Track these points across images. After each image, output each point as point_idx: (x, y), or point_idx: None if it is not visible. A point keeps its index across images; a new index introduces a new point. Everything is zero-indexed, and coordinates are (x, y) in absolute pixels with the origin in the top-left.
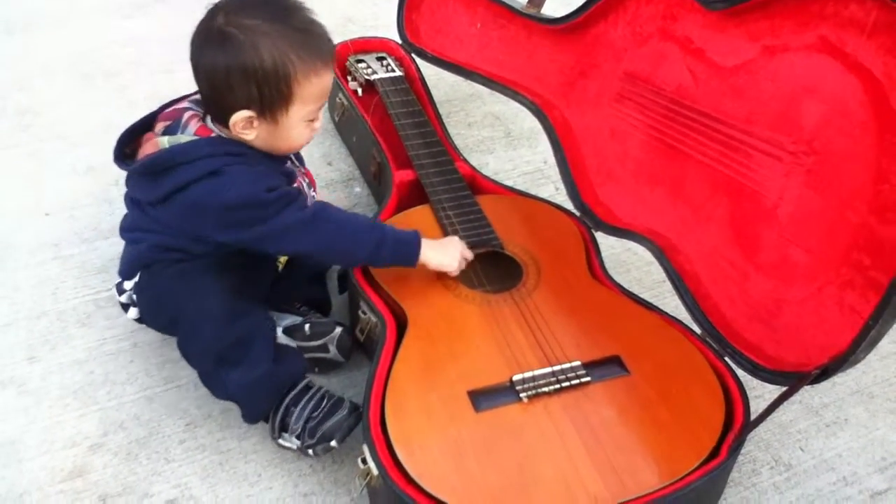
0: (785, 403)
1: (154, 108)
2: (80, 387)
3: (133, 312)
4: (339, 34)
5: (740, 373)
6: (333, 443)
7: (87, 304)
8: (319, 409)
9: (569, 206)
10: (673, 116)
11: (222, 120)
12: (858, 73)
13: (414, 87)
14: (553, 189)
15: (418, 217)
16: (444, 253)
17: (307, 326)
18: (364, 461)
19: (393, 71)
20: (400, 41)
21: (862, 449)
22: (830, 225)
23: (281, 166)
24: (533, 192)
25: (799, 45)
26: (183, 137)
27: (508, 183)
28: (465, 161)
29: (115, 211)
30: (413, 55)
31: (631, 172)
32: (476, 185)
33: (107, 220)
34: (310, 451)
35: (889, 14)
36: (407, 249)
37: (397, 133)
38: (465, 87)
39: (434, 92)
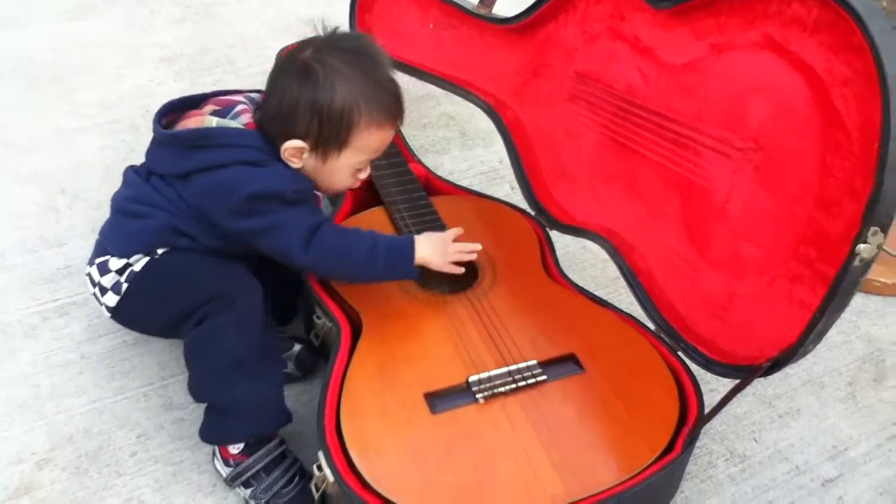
0: (738, 396)
1: (103, 114)
2: (25, 400)
3: (111, 299)
4: (291, 35)
5: (694, 367)
6: None
7: (32, 316)
8: (290, 486)
9: (524, 205)
10: (624, 115)
11: (276, 140)
12: (802, 71)
13: None
14: (509, 188)
15: (373, 219)
16: (440, 250)
17: None
18: (319, 468)
19: None
20: None
21: (814, 438)
22: (779, 220)
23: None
24: (489, 192)
25: (745, 42)
26: (232, 123)
27: (464, 183)
28: (420, 162)
29: (61, 220)
30: None
31: (584, 172)
32: (431, 186)
33: (53, 230)
34: None
35: (829, 13)
36: (402, 254)
37: None
38: (420, 88)
39: None
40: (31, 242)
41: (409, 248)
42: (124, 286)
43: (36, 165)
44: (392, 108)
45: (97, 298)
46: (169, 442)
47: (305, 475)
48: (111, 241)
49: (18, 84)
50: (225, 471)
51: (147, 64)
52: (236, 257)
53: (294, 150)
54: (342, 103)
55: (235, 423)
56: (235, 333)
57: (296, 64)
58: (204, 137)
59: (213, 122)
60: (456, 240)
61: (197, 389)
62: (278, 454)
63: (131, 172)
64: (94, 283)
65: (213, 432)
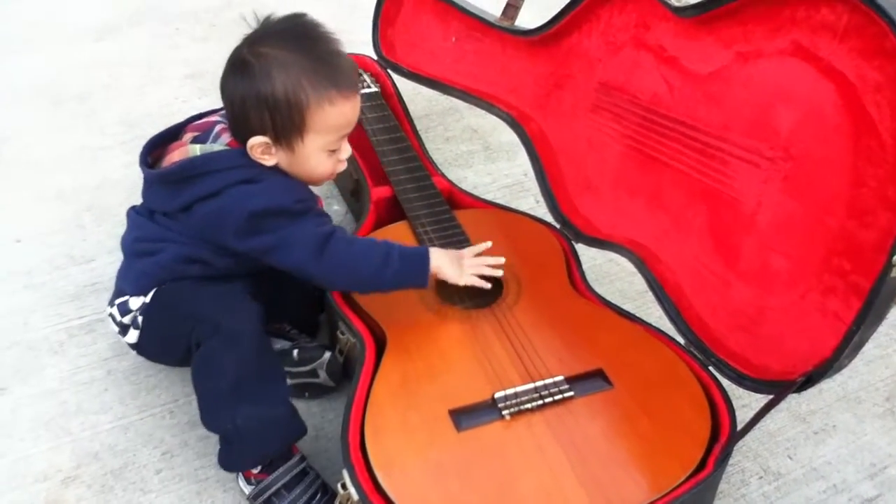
0: (772, 412)
1: (128, 132)
2: (52, 417)
3: (133, 335)
4: None
5: (725, 382)
6: None
7: (59, 333)
8: (312, 503)
9: (549, 218)
10: (649, 125)
11: (244, 144)
12: (832, 77)
13: (390, 102)
14: (533, 201)
15: (396, 233)
16: (455, 263)
17: (295, 352)
18: (344, 486)
19: (369, 87)
20: (375, 57)
21: (851, 455)
22: (810, 231)
23: (308, 187)
24: (513, 204)
25: (772, 50)
26: (215, 146)
27: (488, 196)
28: (443, 175)
29: (87, 237)
30: (389, 70)
31: (609, 183)
32: (454, 199)
33: (79, 247)
34: None
35: (859, 17)
36: (416, 261)
37: (374, 149)
38: (443, 102)
39: (411, 107)
40: (59, 260)
41: (424, 256)
42: (140, 319)
43: (62, 184)
44: (339, 79)
45: (121, 338)
46: (194, 459)
47: (328, 492)
48: (127, 281)
49: (43, 104)
50: (247, 489)
51: (171, 82)
52: (248, 276)
53: (261, 147)
54: (284, 89)
55: (243, 449)
56: (225, 356)
57: (235, 63)
58: (191, 168)
59: (197, 149)
60: (481, 254)
61: (204, 419)
62: (299, 471)
63: (134, 213)
64: (116, 323)
65: (227, 460)
